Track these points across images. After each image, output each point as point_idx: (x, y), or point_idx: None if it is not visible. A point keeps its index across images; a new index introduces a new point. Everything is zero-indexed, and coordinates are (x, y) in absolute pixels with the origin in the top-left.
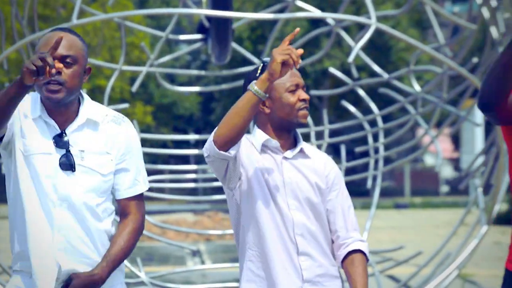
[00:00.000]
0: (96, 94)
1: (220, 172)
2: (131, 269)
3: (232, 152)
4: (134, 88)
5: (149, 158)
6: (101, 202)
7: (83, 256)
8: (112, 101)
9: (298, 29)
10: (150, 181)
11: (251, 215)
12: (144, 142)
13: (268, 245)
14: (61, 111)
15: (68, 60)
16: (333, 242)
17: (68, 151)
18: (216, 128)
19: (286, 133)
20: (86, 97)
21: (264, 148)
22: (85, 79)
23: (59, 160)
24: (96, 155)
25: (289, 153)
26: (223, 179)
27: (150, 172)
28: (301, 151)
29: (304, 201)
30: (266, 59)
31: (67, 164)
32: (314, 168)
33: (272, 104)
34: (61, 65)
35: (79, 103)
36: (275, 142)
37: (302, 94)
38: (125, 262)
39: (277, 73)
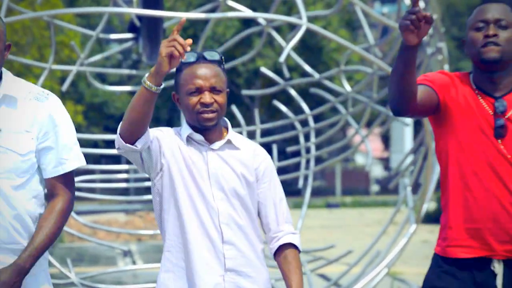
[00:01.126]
0: None
1: (136, 162)
2: (61, 270)
3: (138, 145)
4: (64, 87)
5: None
6: (21, 183)
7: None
8: None
9: (184, 19)
10: (80, 181)
11: (173, 205)
12: None
13: (188, 233)
14: None
15: None
16: (265, 234)
17: None
18: (121, 121)
19: (203, 129)
20: (6, 73)
21: (190, 139)
22: (6, 55)
23: None
24: (14, 133)
25: (215, 145)
26: (142, 169)
27: (80, 172)
28: (229, 142)
29: (229, 192)
30: None
31: None
32: (241, 160)
33: (179, 105)
34: None
35: None
36: (198, 136)
37: (205, 97)
38: (55, 263)
39: (164, 66)
